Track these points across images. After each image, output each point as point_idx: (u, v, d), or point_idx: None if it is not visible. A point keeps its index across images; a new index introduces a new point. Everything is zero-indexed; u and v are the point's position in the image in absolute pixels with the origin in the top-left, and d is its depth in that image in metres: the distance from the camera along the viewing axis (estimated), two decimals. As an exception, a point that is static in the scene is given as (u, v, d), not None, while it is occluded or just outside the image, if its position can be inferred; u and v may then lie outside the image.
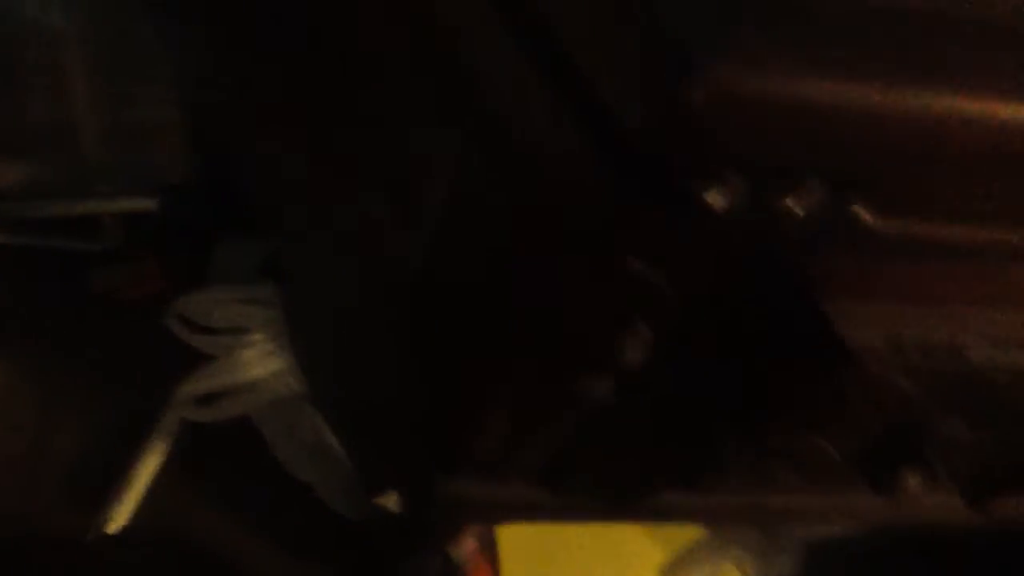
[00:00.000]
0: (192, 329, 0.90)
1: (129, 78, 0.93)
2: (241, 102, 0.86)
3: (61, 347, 0.96)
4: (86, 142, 0.94)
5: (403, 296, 0.65)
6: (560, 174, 0.47)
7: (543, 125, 0.47)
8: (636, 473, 0.65)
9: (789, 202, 0.42)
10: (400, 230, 0.64)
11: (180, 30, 0.91)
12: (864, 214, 0.43)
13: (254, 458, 0.91)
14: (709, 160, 0.40)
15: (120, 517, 0.90)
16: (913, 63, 0.41)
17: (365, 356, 0.75)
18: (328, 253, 0.77)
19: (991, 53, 0.43)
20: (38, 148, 0.96)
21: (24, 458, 0.91)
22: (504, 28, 0.50)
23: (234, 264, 0.94)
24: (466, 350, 0.61)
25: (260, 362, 0.88)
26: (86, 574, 0.88)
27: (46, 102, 0.93)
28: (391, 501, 0.86)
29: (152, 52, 0.92)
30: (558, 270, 0.50)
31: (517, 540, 0.89)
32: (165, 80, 0.94)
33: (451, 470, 0.65)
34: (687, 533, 0.95)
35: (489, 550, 0.89)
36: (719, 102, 0.37)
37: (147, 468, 0.92)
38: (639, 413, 0.58)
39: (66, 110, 0.92)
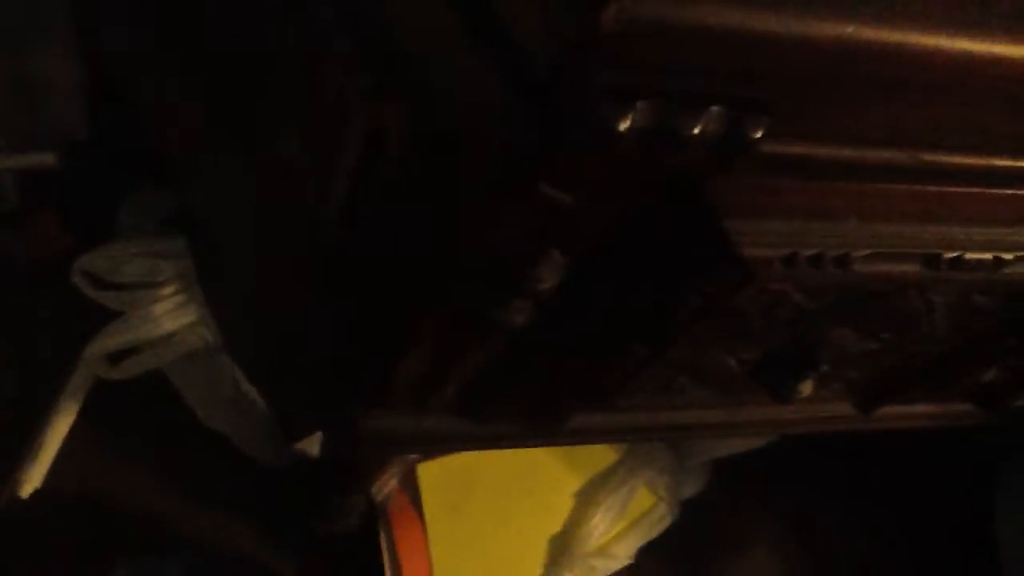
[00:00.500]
0: (99, 285, 0.89)
1: (27, 33, 0.90)
2: (145, 52, 0.84)
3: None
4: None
5: (322, 237, 0.65)
6: (474, 108, 0.48)
7: (458, 60, 0.48)
8: (551, 397, 0.67)
9: (692, 127, 0.45)
10: (317, 175, 0.64)
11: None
12: (762, 137, 0.46)
13: (168, 412, 0.90)
14: (617, 87, 0.42)
15: (33, 480, 0.89)
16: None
17: (283, 300, 0.75)
18: (242, 201, 0.77)
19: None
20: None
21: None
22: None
23: (141, 218, 0.92)
24: (386, 287, 0.62)
25: (172, 315, 0.87)
26: (2, 538, 0.87)
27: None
28: (311, 446, 0.87)
29: (51, 6, 0.90)
30: (473, 203, 0.51)
31: (436, 476, 0.91)
32: (64, 34, 0.91)
33: (374, 405, 0.67)
34: (600, 459, 0.99)
35: (410, 487, 0.91)
36: (627, 28, 0.39)
37: (58, 429, 0.90)
38: (552, 338, 0.60)
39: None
